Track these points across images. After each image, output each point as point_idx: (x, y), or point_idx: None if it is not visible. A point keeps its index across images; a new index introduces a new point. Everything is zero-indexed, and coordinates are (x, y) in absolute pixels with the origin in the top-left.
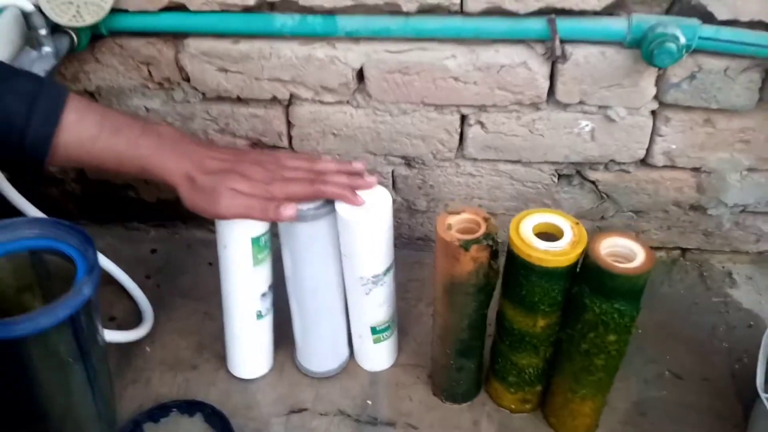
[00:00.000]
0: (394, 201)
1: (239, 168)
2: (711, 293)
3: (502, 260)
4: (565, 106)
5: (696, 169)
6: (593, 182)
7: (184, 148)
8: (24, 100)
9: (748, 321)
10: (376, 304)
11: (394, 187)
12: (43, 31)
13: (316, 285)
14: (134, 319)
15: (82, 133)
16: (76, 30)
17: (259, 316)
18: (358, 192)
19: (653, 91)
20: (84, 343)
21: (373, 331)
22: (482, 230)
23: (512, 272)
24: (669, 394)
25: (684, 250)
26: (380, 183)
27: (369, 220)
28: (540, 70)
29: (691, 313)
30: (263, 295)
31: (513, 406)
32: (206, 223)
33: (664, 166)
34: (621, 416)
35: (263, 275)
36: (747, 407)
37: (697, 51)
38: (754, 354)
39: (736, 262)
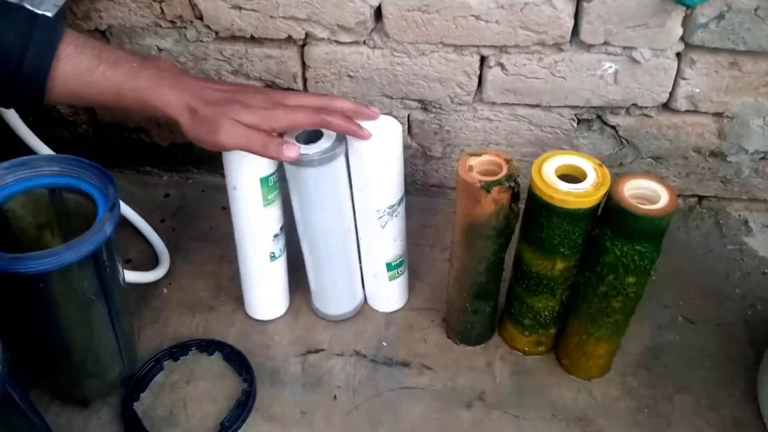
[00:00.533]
0: (409, 146)
1: (240, 97)
2: (726, 240)
3: (522, 204)
4: (588, 47)
5: (718, 114)
6: (614, 127)
7: (183, 80)
8: (21, 31)
9: (763, 269)
10: (390, 238)
11: (410, 132)
12: None
13: (327, 229)
14: (150, 262)
15: (80, 64)
16: None
17: (273, 257)
18: (365, 125)
19: (680, 31)
20: (106, 281)
21: (389, 267)
22: (504, 172)
23: (533, 214)
24: (682, 338)
25: (701, 198)
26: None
27: (383, 147)
28: (565, 7)
29: (706, 260)
30: (275, 236)
31: (527, 349)
32: (219, 168)
33: (687, 111)
34: (634, 359)
35: (274, 216)
36: (759, 352)
37: None
38: (767, 301)
39: (753, 210)
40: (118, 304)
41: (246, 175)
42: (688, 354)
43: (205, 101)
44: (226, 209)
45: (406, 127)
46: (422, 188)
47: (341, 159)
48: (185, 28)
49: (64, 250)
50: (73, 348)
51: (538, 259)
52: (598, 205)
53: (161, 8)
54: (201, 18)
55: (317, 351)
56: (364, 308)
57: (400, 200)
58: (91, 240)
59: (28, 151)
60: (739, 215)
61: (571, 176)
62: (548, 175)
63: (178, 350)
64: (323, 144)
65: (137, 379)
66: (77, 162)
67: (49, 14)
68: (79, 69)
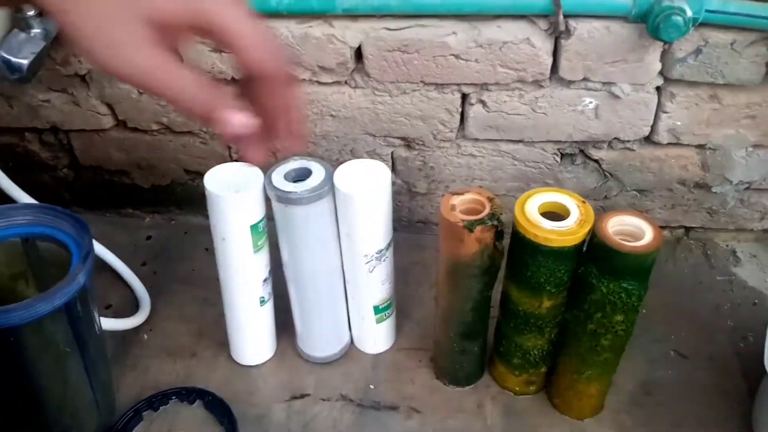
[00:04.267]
0: (393, 183)
1: None
2: (715, 272)
3: (506, 241)
4: (568, 83)
5: (701, 146)
6: (597, 161)
7: None
8: None
9: (753, 299)
10: (379, 282)
11: (394, 169)
12: (31, 12)
13: (314, 269)
14: (131, 306)
15: None
16: None
17: (262, 302)
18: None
19: (658, 66)
20: (80, 332)
21: (376, 310)
22: (487, 210)
23: (517, 253)
24: (674, 373)
25: (688, 229)
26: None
27: (371, 194)
28: (543, 46)
29: (695, 292)
30: (265, 280)
31: (517, 388)
32: (203, 209)
33: (669, 144)
34: (627, 396)
35: (263, 261)
36: (752, 386)
37: (703, 24)
38: (759, 332)
39: (741, 240)
40: (95, 354)
41: (235, 224)
42: (682, 389)
43: None
44: (209, 250)
45: (390, 164)
46: (408, 225)
47: (329, 198)
48: None
49: (36, 302)
50: (48, 401)
51: (525, 297)
52: (583, 242)
53: None
54: (181, 61)
55: (302, 396)
56: (350, 350)
57: (389, 244)
58: (63, 291)
59: (6, 198)
60: (727, 245)
61: (555, 213)
62: (531, 213)
63: (157, 400)
64: (312, 182)
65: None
66: (51, 210)
67: (25, 62)
68: None
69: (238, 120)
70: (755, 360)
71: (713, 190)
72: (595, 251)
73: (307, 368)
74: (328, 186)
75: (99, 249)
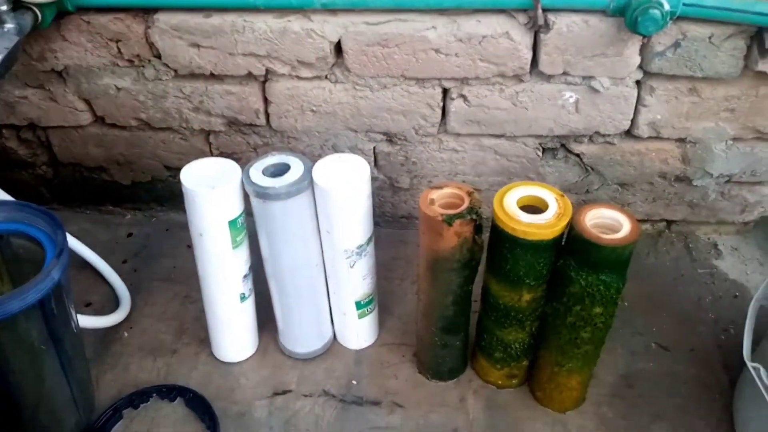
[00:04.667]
0: (376, 178)
1: None
2: (697, 264)
3: (487, 235)
4: (548, 78)
5: (681, 140)
6: (578, 155)
7: None
8: None
9: (734, 291)
10: (360, 277)
11: (376, 164)
12: (3, 7)
13: (295, 265)
14: (111, 304)
15: None
16: (40, 6)
17: (243, 298)
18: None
19: (637, 60)
20: (56, 329)
21: (358, 305)
22: (465, 204)
23: (497, 246)
24: (656, 365)
25: (669, 222)
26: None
27: (350, 189)
28: (522, 40)
29: (677, 284)
30: (245, 276)
31: (500, 382)
32: (184, 206)
33: (649, 137)
34: (608, 389)
35: (243, 257)
36: (733, 378)
37: (681, 18)
38: (740, 324)
39: (722, 233)
40: (71, 352)
41: (213, 220)
42: (663, 381)
43: None
44: (191, 247)
45: (373, 159)
46: (391, 220)
47: (308, 193)
48: (143, 66)
49: (9, 299)
50: (24, 400)
51: (505, 290)
52: (561, 235)
53: (118, 48)
54: (159, 56)
55: (284, 392)
56: (333, 345)
57: (369, 239)
58: (37, 288)
59: None
60: (708, 238)
61: (534, 207)
62: (510, 206)
63: (137, 397)
64: (290, 177)
65: (95, 430)
66: (25, 207)
67: None
68: None
69: None
70: (736, 352)
71: (694, 183)
72: (573, 244)
73: (289, 364)
74: (307, 181)
75: (79, 247)
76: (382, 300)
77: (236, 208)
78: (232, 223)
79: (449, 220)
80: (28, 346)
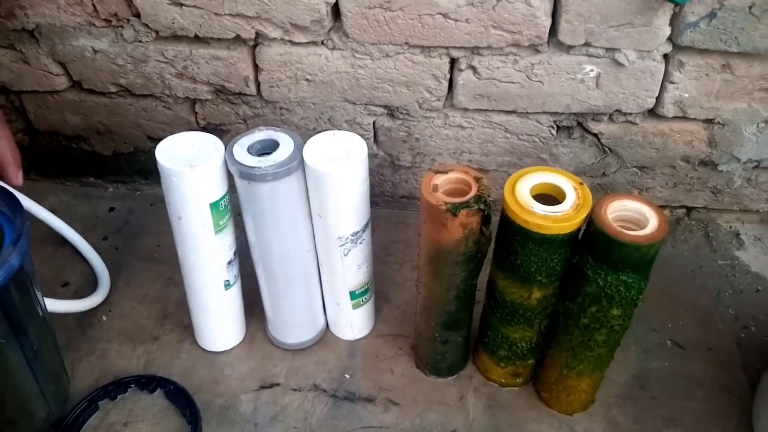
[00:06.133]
0: (375, 155)
1: None
2: (717, 255)
3: (495, 224)
4: (568, 49)
5: (709, 121)
6: (596, 135)
7: None
8: None
9: (756, 285)
10: (354, 266)
11: (376, 140)
12: None
13: (284, 252)
14: (91, 284)
15: None
16: None
17: (228, 285)
18: None
19: (667, 31)
20: (17, 319)
21: (352, 295)
22: (473, 192)
23: (506, 239)
24: (670, 365)
25: (689, 209)
26: (361, 135)
27: (345, 173)
28: (541, 5)
29: (695, 276)
30: (229, 262)
31: (503, 380)
32: None
33: (675, 117)
34: (619, 389)
35: (227, 242)
36: (753, 380)
37: None
38: (762, 321)
39: (745, 221)
40: (37, 342)
41: (193, 202)
42: (678, 382)
43: None
44: None
45: (372, 134)
46: (391, 200)
47: (299, 173)
48: (122, 27)
49: None
50: None
51: (513, 287)
52: (579, 229)
53: (93, 5)
54: (138, 16)
55: (272, 386)
56: (325, 336)
57: (365, 226)
58: None
59: None
60: (730, 227)
61: (549, 196)
62: (523, 195)
63: (115, 388)
64: (278, 156)
65: (68, 423)
66: None
67: None
68: None
69: None
70: (757, 352)
71: (719, 168)
72: (592, 239)
73: (277, 355)
74: (298, 160)
75: (56, 222)
76: (379, 286)
77: (219, 190)
78: (214, 206)
79: (454, 210)
80: None
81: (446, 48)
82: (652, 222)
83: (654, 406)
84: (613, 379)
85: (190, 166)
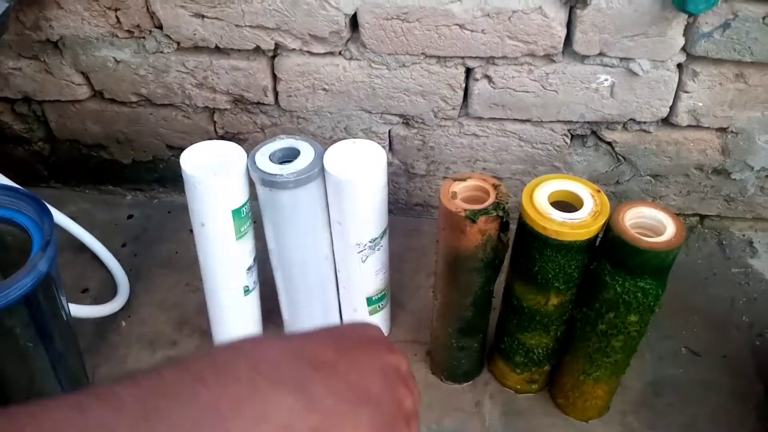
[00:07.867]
0: (390, 164)
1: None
2: (730, 263)
3: (512, 231)
4: (582, 59)
5: (722, 130)
6: (610, 143)
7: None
8: None
9: None
10: (372, 272)
11: (391, 148)
12: None
13: (303, 258)
14: (110, 290)
15: None
16: None
17: (247, 291)
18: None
19: (681, 41)
20: (44, 324)
21: (369, 301)
22: (491, 199)
23: (524, 246)
24: (685, 372)
25: (703, 217)
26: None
27: (365, 180)
28: (557, 16)
29: (709, 284)
30: (249, 268)
31: (518, 387)
32: None
33: (688, 126)
34: (634, 396)
35: (247, 248)
36: None
37: None
38: None
39: (758, 229)
40: (62, 346)
41: (216, 209)
42: (693, 390)
43: None
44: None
45: (387, 143)
46: (405, 208)
47: (319, 181)
48: (144, 38)
49: None
50: (11, 398)
51: (530, 293)
52: (597, 236)
53: (117, 17)
54: (160, 27)
55: None
56: None
57: (383, 233)
58: (21, 282)
59: None
60: (744, 235)
61: (566, 203)
62: (541, 202)
63: None
64: (299, 164)
65: None
66: (11, 191)
67: None
68: None
69: None
70: None
71: (733, 176)
72: (609, 246)
73: None
74: (318, 168)
75: (76, 229)
76: (394, 293)
77: (241, 197)
78: (236, 213)
79: (473, 217)
80: (13, 344)
81: (462, 58)
82: (669, 229)
83: (669, 413)
84: (628, 386)
85: (214, 173)
